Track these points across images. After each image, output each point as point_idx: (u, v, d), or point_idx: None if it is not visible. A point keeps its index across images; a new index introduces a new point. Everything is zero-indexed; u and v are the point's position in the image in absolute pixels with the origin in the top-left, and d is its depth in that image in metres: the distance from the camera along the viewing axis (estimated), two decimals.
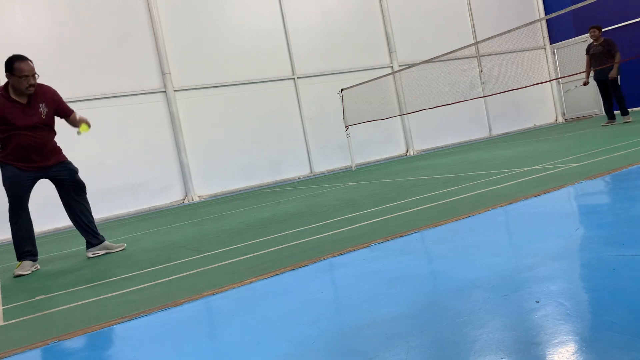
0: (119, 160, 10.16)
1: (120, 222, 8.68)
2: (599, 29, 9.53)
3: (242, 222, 5.29)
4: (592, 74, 9.72)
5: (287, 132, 11.94)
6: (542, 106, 15.78)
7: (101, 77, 10.10)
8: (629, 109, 10.11)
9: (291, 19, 12.15)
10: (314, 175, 12.03)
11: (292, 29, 12.16)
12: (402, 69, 11.48)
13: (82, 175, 4.72)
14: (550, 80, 14.55)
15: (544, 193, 3.58)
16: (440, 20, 14.15)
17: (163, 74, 10.69)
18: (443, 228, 3.10)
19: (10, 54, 4.28)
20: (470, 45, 9.97)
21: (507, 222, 3.03)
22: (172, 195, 10.69)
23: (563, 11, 7.59)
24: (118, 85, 10.32)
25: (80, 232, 4.71)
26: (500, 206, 3.42)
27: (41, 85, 4.40)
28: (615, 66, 9.25)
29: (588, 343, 1.33)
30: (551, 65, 15.83)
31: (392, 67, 13.34)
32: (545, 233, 2.53)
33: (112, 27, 10.34)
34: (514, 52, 14.54)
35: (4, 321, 2.78)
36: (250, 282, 2.63)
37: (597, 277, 1.80)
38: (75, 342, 2.17)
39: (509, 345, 1.40)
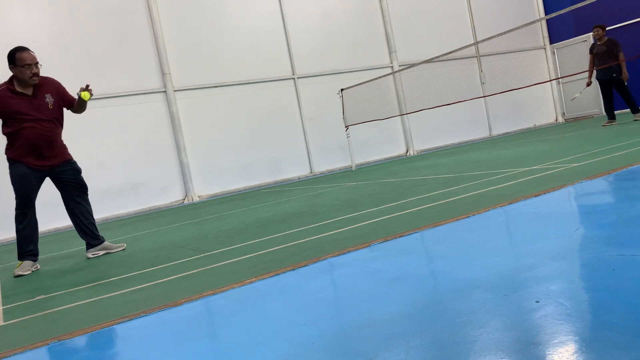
0: (119, 160, 10.16)
1: (120, 222, 8.68)
2: (603, 28, 9.48)
3: (242, 222, 5.29)
4: (594, 73, 9.69)
5: (287, 132, 11.94)
6: (542, 106, 15.78)
7: (101, 77, 10.09)
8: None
9: (291, 19, 12.15)
10: (314, 175, 12.03)
11: (292, 29, 12.16)
12: (402, 69, 11.48)
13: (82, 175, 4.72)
14: (550, 80, 14.54)
15: (544, 193, 3.58)
16: (440, 20, 14.15)
17: (163, 74, 10.69)
18: (443, 228, 3.10)
19: None
20: (470, 45, 9.95)
21: (507, 222, 3.03)
22: (172, 195, 10.69)
23: (563, 11, 7.58)
24: (118, 85, 10.31)
25: (79, 234, 4.70)
26: (500, 206, 3.42)
27: (44, 77, 4.46)
28: (623, 66, 9.20)
29: (588, 343, 1.33)
30: (551, 65, 15.82)
31: (392, 67, 13.33)
32: (545, 233, 2.53)
33: (112, 27, 10.34)
34: (514, 52, 14.54)
35: (4, 321, 2.78)
36: (250, 282, 2.63)
37: (597, 277, 1.81)
38: (76, 342, 2.17)
39: (509, 345, 1.40)
